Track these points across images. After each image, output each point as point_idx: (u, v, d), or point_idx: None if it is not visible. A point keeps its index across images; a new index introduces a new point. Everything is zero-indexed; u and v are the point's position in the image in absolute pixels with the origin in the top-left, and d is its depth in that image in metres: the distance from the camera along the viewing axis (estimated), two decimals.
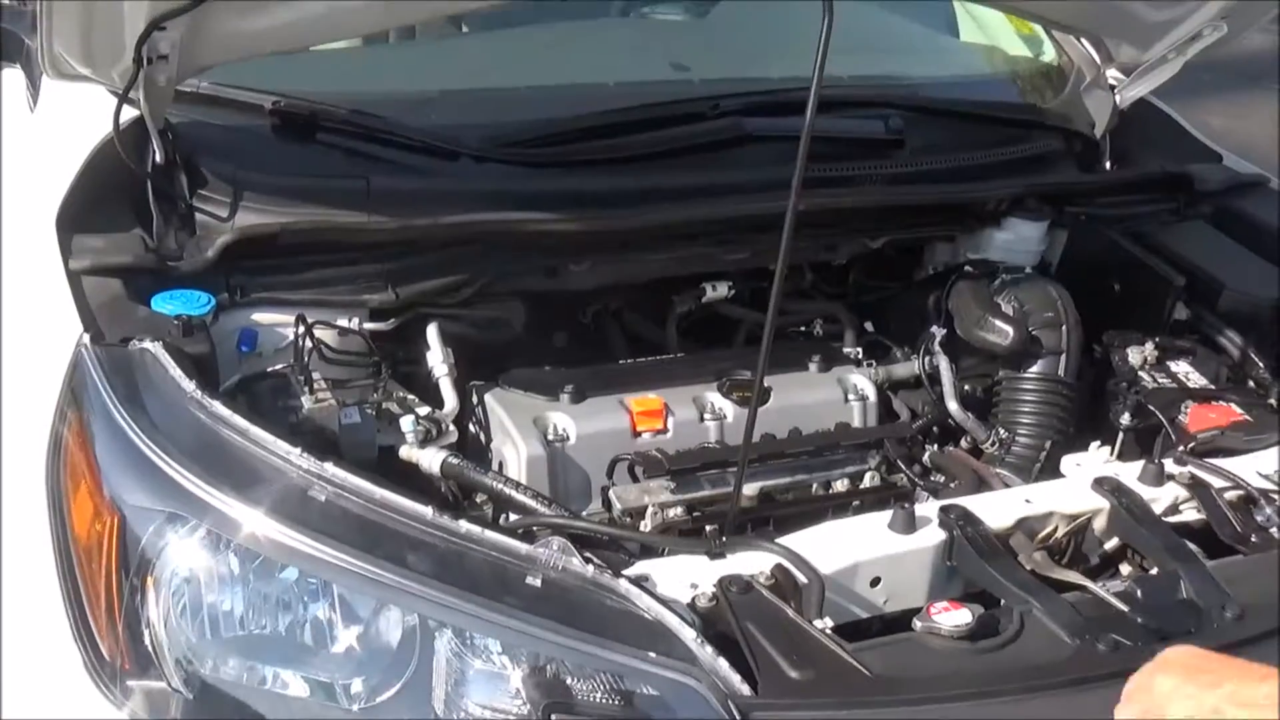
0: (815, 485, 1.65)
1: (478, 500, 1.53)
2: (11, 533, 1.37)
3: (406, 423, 1.51)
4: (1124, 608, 1.27)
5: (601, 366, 1.75)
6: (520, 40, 2.17)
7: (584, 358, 1.77)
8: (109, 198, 1.57)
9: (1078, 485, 1.48)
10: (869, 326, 1.94)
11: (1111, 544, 1.45)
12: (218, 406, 1.29)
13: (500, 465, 1.59)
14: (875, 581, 1.34)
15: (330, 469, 1.25)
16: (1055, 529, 1.42)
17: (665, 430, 1.63)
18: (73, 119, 1.70)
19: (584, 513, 1.54)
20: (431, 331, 1.64)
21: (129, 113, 1.54)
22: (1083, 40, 2.14)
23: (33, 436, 1.38)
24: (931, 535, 1.36)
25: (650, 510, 1.53)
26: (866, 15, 2.31)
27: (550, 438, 1.59)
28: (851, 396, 1.76)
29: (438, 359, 1.63)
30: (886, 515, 1.38)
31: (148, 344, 1.38)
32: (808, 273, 1.96)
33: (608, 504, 1.57)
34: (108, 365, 1.36)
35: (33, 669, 1.28)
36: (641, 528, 1.52)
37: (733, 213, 1.78)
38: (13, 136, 1.89)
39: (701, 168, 1.82)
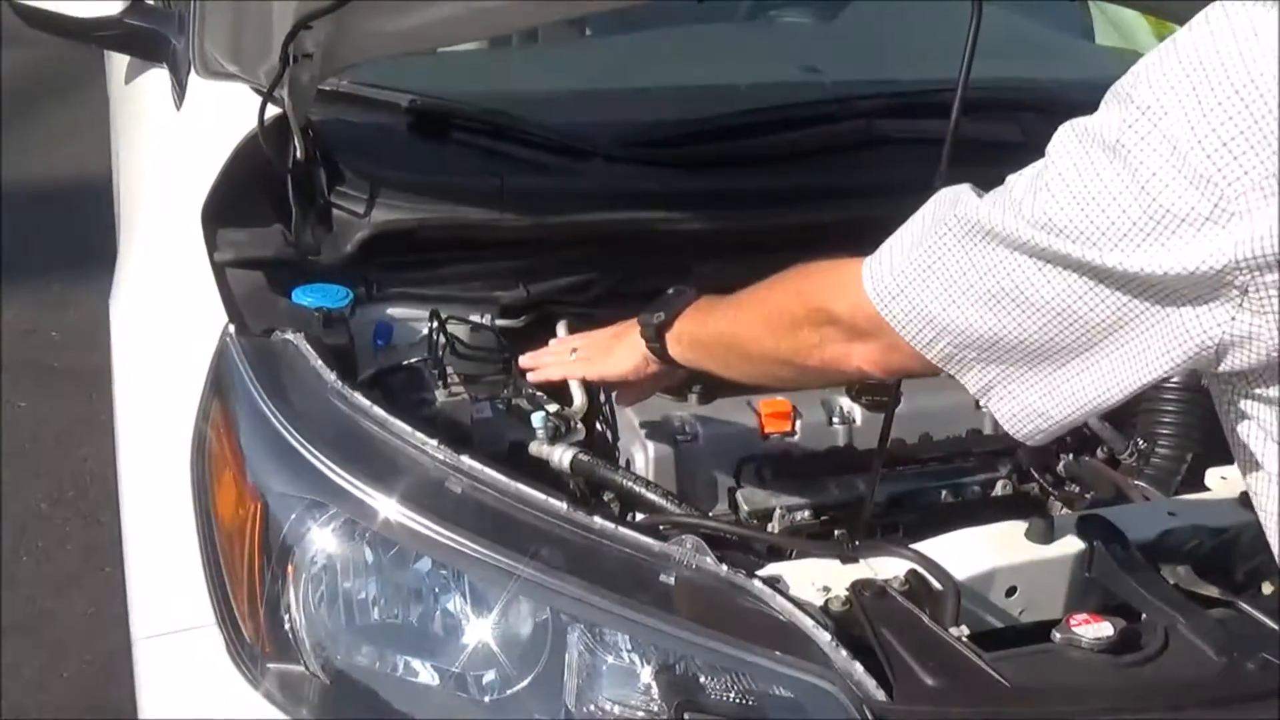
0: (945, 492, 1.62)
1: (605, 498, 1.53)
2: (159, 516, 1.40)
3: (537, 419, 1.52)
4: (1273, 625, 1.23)
5: None
6: (644, 44, 2.18)
7: None
8: (251, 193, 1.61)
9: (1223, 499, 1.43)
10: None
11: (1258, 560, 1.40)
12: (358, 397, 1.32)
13: (628, 464, 1.59)
14: (1011, 591, 1.32)
15: (467, 461, 1.26)
16: (1200, 544, 1.38)
17: (793, 432, 1.62)
18: (216, 117, 1.75)
19: (710, 513, 1.54)
20: (561, 329, 1.65)
21: (271, 111, 1.58)
22: None
23: (178, 423, 1.41)
24: (1071, 545, 1.33)
25: (778, 512, 1.52)
26: (997, 18, 2.26)
27: (678, 437, 1.59)
28: (983, 402, 1.72)
29: None
30: (1023, 524, 1.35)
31: (290, 335, 1.41)
32: None
33: (734, 505, 1.56)
34: (252, 355, 1.39)
35: (176, 650, 1.31)
36: (769, 530, 1.51)
37: (865, 215, 1.75)
38: (160, 134, 1.95)
39: (832, 169, 1.81)
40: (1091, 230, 0.90)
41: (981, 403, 1.10)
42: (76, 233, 3.53)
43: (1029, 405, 1.05)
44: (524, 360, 1.56)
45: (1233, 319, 0.88)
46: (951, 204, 1.05)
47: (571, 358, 1.52)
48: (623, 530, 1.23)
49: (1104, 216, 0.89)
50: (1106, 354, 0.97)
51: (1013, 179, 0.99)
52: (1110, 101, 0.91)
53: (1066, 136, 0.94)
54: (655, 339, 1.39)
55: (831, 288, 1.16)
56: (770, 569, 1.28)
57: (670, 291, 1.43)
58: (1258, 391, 0.97)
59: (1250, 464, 1.04)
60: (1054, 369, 1.01)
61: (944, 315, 1.03)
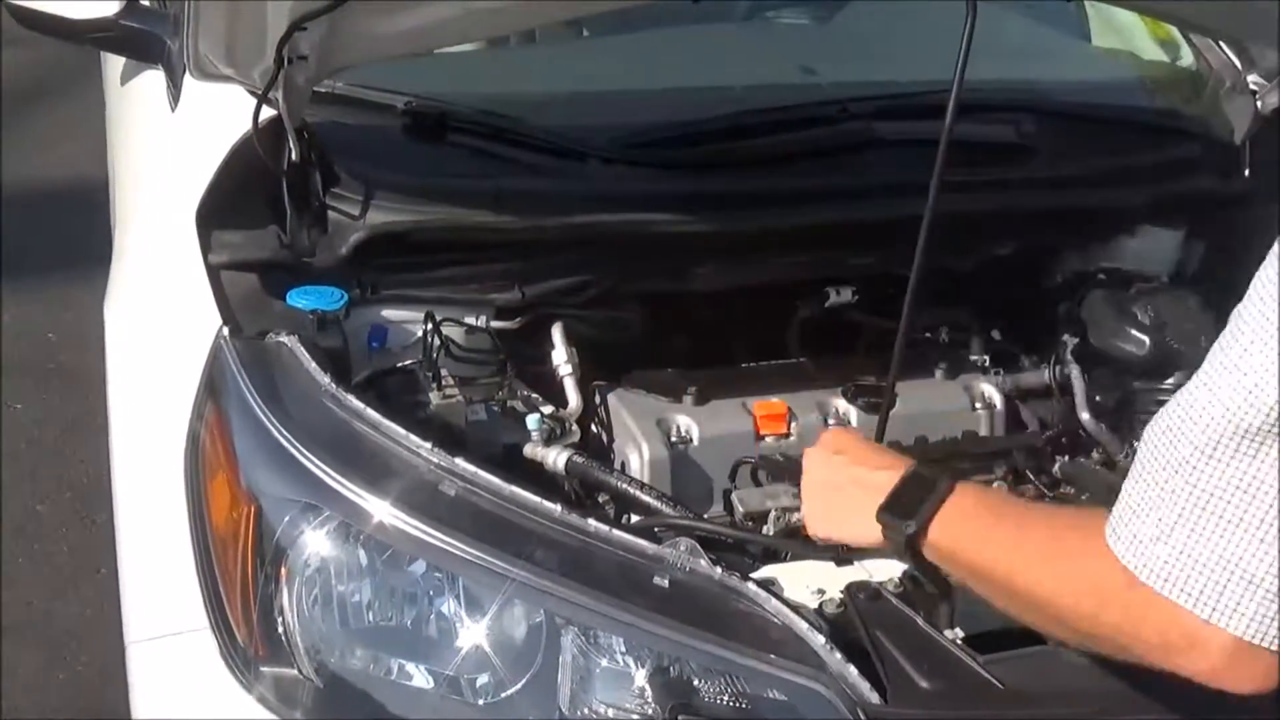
0: None
1: (600, 500, 1.53)
2: (153, 519, 1.40)
3: (531, 421, 1.52)
4: None
5: (724, 369, 1.74)
6: (641, 45, 2.17)
7: (706, 360, 1.76)
8: (245, 195, 1.61)
9: None
10: (996, 334, 1.91)
11: None
12: (352, 400, 1.32)
13: (623, 465, 1.59)
14: None
15: (461, 464, 1.26)
16: None
17: (789, 434, 1.62)
18: (211, 119, 1.74)
19: (705, 515, 1.54)
20: (556, 331, 1.65)
21: (266, 112, 1.58)
22: (1222, 45, 2.08)
23: (172, 425, 1.41)
24: None
25: (773, 514, 1.52)
26: (993, 18, 2.26)
27: (673, 439, 1.59)
28: (978, 405, 1.73)
29: (562, 358, 1.64)
30: None
31: (284, 338, 1.41)
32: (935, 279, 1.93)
33: (730, 507, 1.56)
34: (246, 357, 1.39)
35: (169, 654, 1.31)
36: (764, 532, 1.51)
37: (861, 217, 1.76)
38: (155, 136, 1.95)
39: (830, 171, 1.80)
40: None
41: None
42: (73, 234, 3.51)
43: None
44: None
45: None
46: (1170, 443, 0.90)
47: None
48: (617, 533, 1.23)
49: None
50: None
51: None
52: None
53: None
54: (906, 549, 1.13)
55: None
56: (765, 572, 1.28)
57: (913, 474, 1.15)
58: None
59: None
60: None
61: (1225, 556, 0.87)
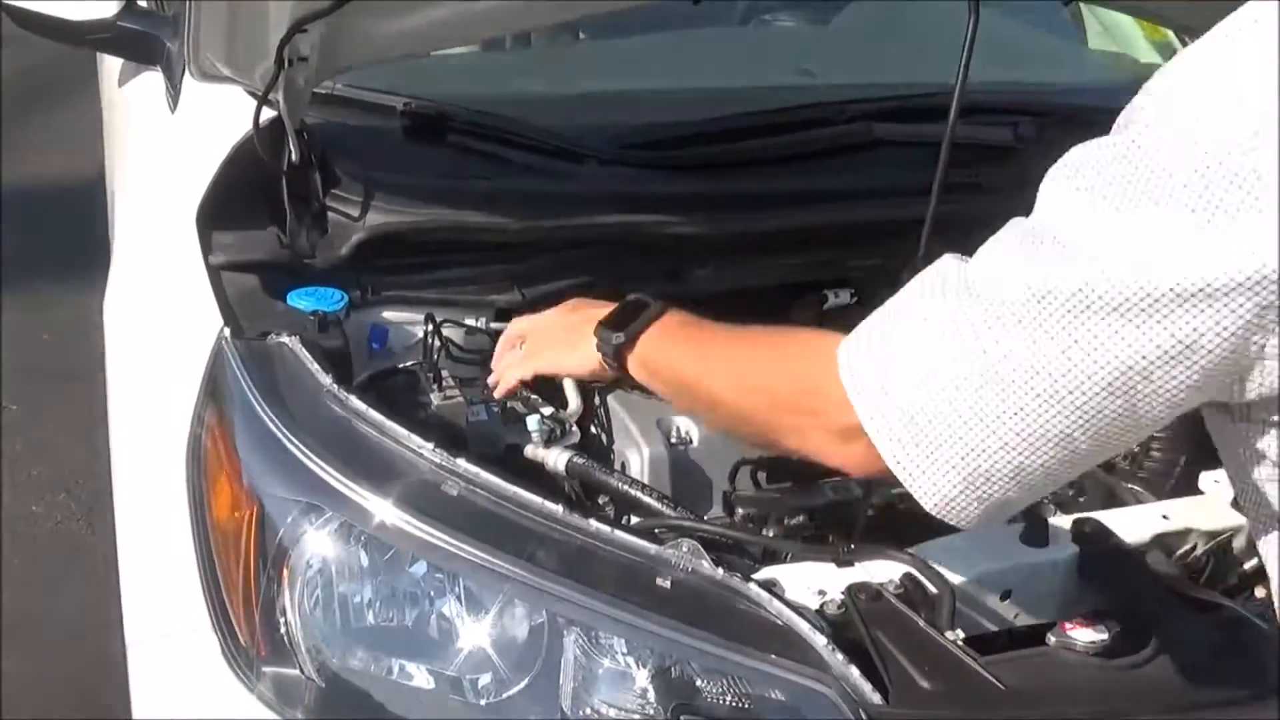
0: None
1: (600, 501, 1.53)
2: (154, 519, 1.40)
3: (532, 422, 1.52)
4: (1265, 628, 1.23)
5: None
6: (638, 47, 2.18)
7: None
8: (245, 196, 1.61)
9: (1217, 503, 1.44)
10: None
11: (1251, 564, 1.40)
12: (354, 400, 1.32)
13: (623, 466, 1.59)
14: (1006, 594, 1.32)
15: (463, 464, 1.26)
16: (1194, 547, 1.38)
17: None
18: (211, 120, 1.75)
19: (705, 517, 1.54)
20: None
21: (266, 113, 1.58)
22: None
23: (173, 426, 1.41)
24: (1065, 549, 1.34)
25: (772, 516, 1.52)
26: (989, 21, 2.27)
27: (673, 440, 1.58)
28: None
29: None
30: (1017, 527, 1.35)
31: (285, 338, 1.41)
32: None
33: (730, 508, 1.56)
34: (247, 358, 1.39)
35: (170, 654, 1.31)
36: (764, 533, 1.51)
37: (860, 218, 1.76)
38: (154, 137, 1.95)
39: (828, 173, 1.81)
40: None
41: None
42: (70, 235, 3.52)
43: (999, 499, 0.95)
44: (490, 381, 1.50)
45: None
46: (938, 284, 0.96)
47: (521, 350, 1.45)
48: (619, 533, 1.24)
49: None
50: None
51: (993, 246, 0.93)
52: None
53: (1057, 180, 0.90)
54: (614, 358, 1.30)
55: (822, 372, 1.02)
56: (766, 572, 1.28)
57: (631, 300, 1.33)
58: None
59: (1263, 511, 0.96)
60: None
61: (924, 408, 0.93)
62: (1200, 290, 0.80)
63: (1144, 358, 0.83)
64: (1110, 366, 0.85)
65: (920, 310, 0.95)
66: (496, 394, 1.49)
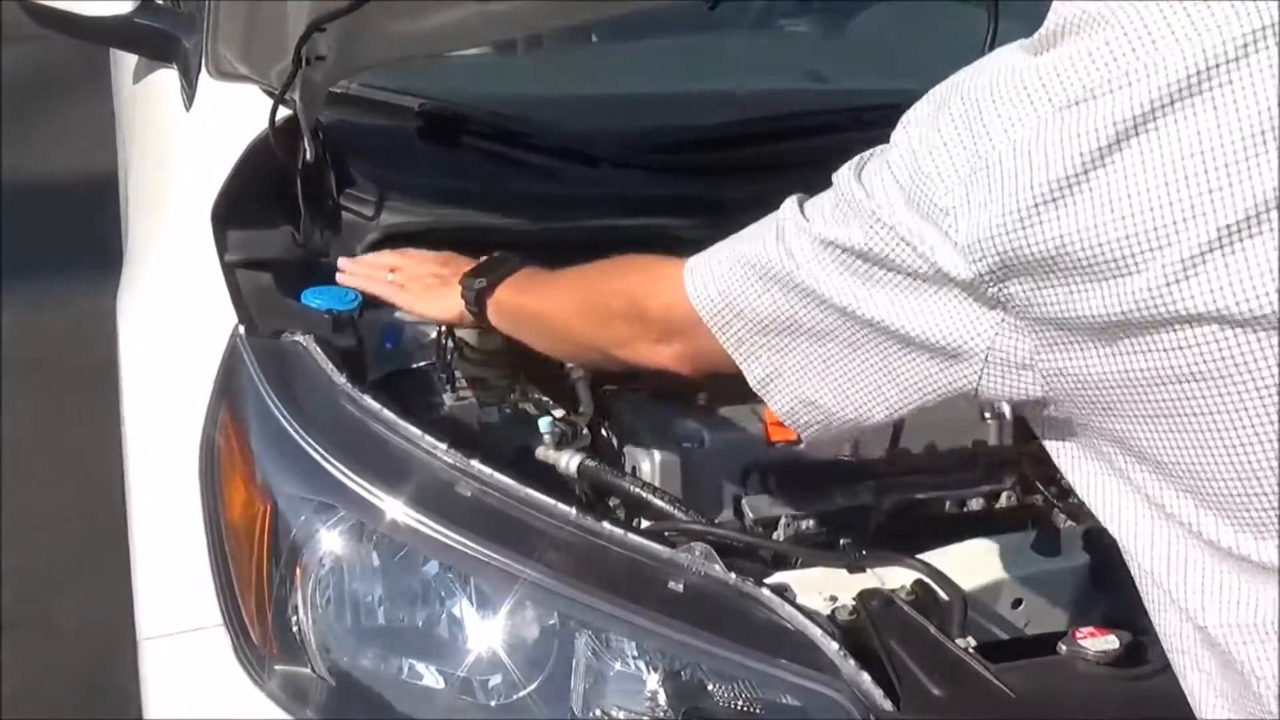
0: (949, 503, 1.62)
1: (611, 504, 1.53)
2: (167, 516, 1.40)
3: (544, 424, 1.52)
4: None
5: (735, 374, 1.74)
6: (650, 50, 2.18)
7: None
8: (260, 195, 1.61)
9: None
10: None
11: None
12: (367, 400, 1.32)
13: (633, 470, 1.59)
14: (1017, 602, 1.32)
15: (476, 465, 1.26)
16: None
17: (799, 440, 1.62)
18: (226, 118, 1.75)
19: (716, 520, 1.54)
20: None
21: (281, 112, 1.58)
22: None
23: (187, 423, 1.41)
24: (1077, 557, 1.34)
25: (783, 521, 1.52)
26: (1001, 24, 2.27)
27: (684, 444, 1.59)
28: (988, 414, 1.72)
29: None
30: (1029, 536, 1.36)
31: (299, 337, 1.41)
32: None
33: (740, 513, 1.56)
34: (261, 356, 1.39)
35: (182, 650, 1.31)
36: (775, 538, 1.51)
37: None
38: (169, 134, 1.95)
39: None
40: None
41: (761, 395, 1.13)
42: (79, 231, 3.53)
43: (803, 396, 1.10)
44: (341, 262, 1.57)
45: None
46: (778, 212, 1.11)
47: (389, 278, 1.53)
48: (631, 536, 1.24)
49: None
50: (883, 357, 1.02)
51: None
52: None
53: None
54: (475, 303, 1.43)
55: (649, 285, 1.21)
56: (777, 577, 1.28)
57: (496, 255, 1.47)
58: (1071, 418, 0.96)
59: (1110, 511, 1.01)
60: (832, 366, 1.06)
61: (740, 299, 1.09)
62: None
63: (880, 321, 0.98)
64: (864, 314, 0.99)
65: (754, 234, 1.13)
66: (343, 281, 1.54)
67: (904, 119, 0.97)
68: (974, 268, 0.88)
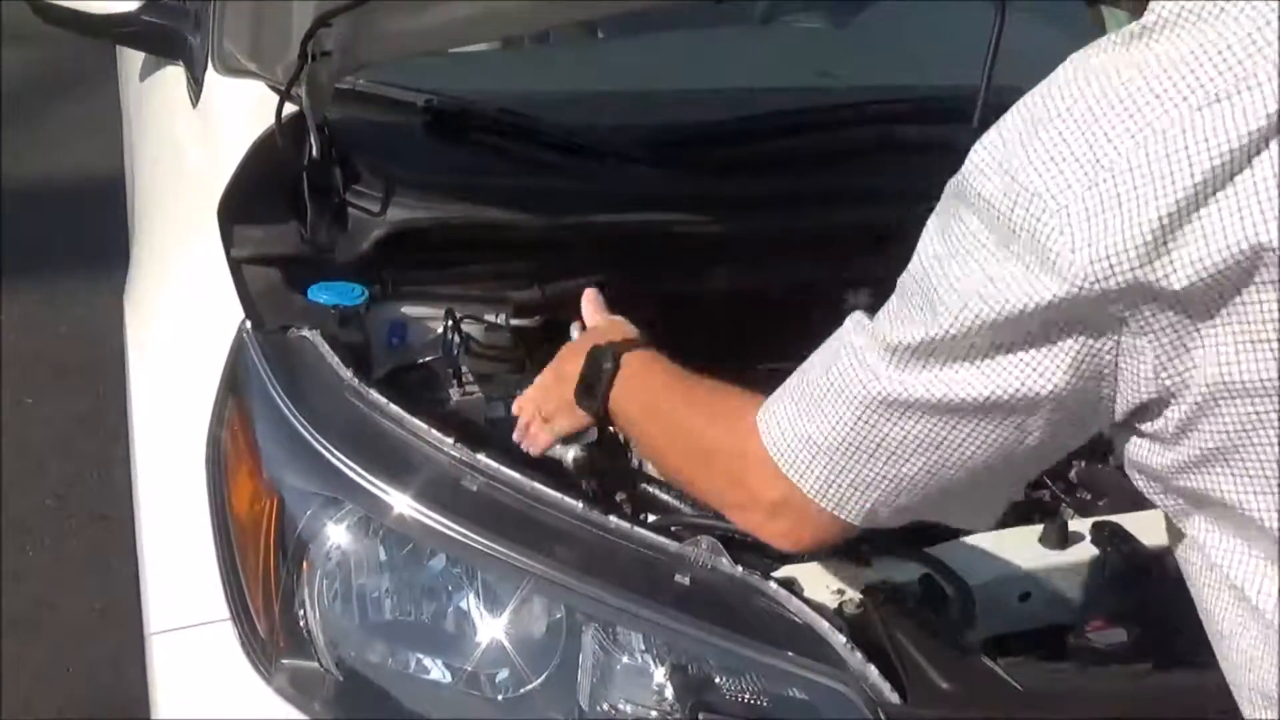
0: None
1: (617, 498, 1.53)
2: (174, 511, 1.40)
3: None
4: None
5: (742, 370, 1.74)
6: (657, 46, 2.18)
7: (723, 361, 1.76)
8: (267, 191, 1.61)
9: None
10: None
11: None
12: (374, 395, 1.32)
13: (640, 464, 1.59)
14: (1025, 596, 1.32)
15: (483, 460, 1.26)
16: None
17: None
18: (232, 114, 1.75)
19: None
20: (575, 330, 1.65)
21: (288, 108, 1.58)
22: None
23: (194, 418, 1.41)
24: (1084, 551, 1.33)
25: None
26: (1008, 23, 2.27)
27: None
28: None
29: None
30: (1037, 529, 1.35)
31: (306, 332, 1.41)
32: None
33: None
34: (268, 351, 1.39)
35: (190, 645, 1.31)
36: None
37: (879, 220, 1.76)
38: (175, 131, 1.95)
39: (848, 174, 1.81)
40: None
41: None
42: (84, 229, 3.53)
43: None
44: (529, 448, 1.43)
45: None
46: (842, 333, 1.02)
47: (537, 414, 1.40)
48: (638, 530, 1.24)
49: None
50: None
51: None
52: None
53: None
54: (604, 419, 1.30)
55: (739, 449, 1.06)
56: (784, 571, 1.28)
57: (590, 356, 1.29)
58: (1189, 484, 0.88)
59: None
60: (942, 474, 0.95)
61: (818, 435, 0.98)
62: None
63: (988, 398, 0.88)
64: (964, 407, 0.89)
65: (822, 365, 1.00)
66: (535, 452, 1.43)
67: (978, 155, 0.87)
68: (1098, 286, 0.80)
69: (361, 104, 1.73)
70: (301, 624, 1.25)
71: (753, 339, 1.89)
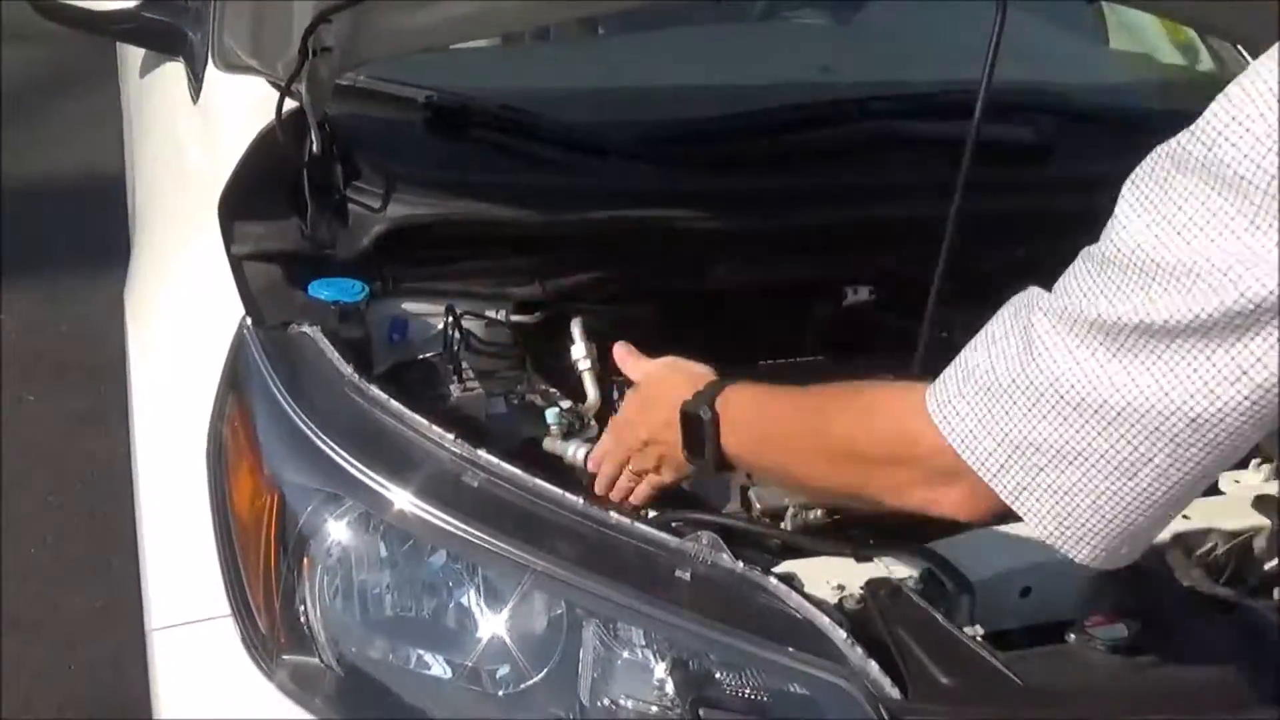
0: None
1: None
2: (175, 507, 1.41)
3: (550, 415, 1.53)
4: None
5: (741, 366, 1.74)
6: (658, 43, 2.18)
7: (723, 357, 1.76)
8: (268, 187, 1.61)
9: (1238, 503, 1.43)
10: None
11: (1272, 565, 1.40)
12: (374, 391, 1.32)
13: None
14: (1025, 591, 1.31)
15: (484, 456, 1.26)
16: (1214, 546, 1.38)
17: None
18: (233, 111, 1.75)
19: (724, 510, 1.54)
20: (575, 326, 1.65)
21: (288, 105, 1.58)
22: (1240, 48, 2.09)
23: (195, 415, 1.42)
24: None
25: (790, 511, 1.52)
26: (1010, 20, 2.26)
27: None
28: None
29: (581, 353, 1.64)
30: None
31: (307, 328, 1.41)
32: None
33: (747, 503, 1.56)
34: (268, 347, 1.39)
35: (191, 641, 1.31)
36: (781, 528, 1.51)
37: (879, 215, 1.76)
38: (176, 127, 1.95)
39: (848, 170, 1.80)
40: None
41: (1057, 544, 0.99)
42: (84, 227, 3.53)
43: (1117, 532, 0.95)
44: (612, 495, 1.41)
45: None
46: (1018, 313, 0.95)
47: (630, 469, 1.38)
48: (639, 525, 1.24)
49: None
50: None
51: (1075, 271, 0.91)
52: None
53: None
54: (722, 467, 1.26)
55: (905, 423, 1.02)
56: (784, 567, 1.28)
57: (684, 419, 1.26)
58: None
59: None
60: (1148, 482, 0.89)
61: (1012, 434, 0.92)
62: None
63: (1211, 380, 0.83)
64: (1184, 393, 0.84)
65: (1001, 339, 0.95)
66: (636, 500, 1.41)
67: (1219, 121, 0.81)
68: None
69: (362, 100, 1.73)
70: (302, 620, 1.25)
71: (753, 335, 1.89)
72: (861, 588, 1.24)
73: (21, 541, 2.59)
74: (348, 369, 1.35)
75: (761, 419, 1.22)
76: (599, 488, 1.41)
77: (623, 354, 1.45)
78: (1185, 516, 1.39)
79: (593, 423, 1.59)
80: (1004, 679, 1.15)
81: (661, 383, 1.35)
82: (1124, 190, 0.88)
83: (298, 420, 1.31)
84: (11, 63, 4.48)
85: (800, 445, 1.17)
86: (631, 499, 1.40)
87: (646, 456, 1.35)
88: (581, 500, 1.24)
